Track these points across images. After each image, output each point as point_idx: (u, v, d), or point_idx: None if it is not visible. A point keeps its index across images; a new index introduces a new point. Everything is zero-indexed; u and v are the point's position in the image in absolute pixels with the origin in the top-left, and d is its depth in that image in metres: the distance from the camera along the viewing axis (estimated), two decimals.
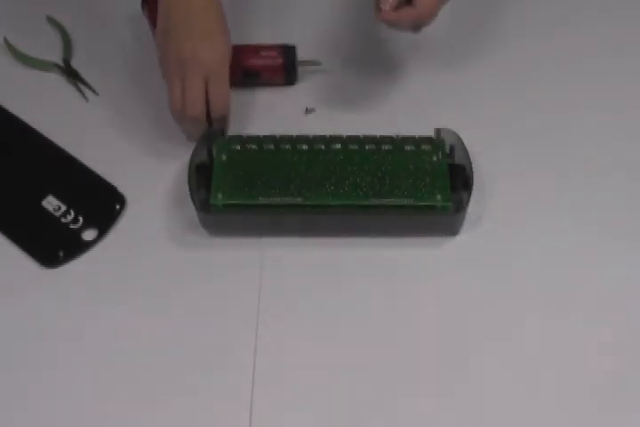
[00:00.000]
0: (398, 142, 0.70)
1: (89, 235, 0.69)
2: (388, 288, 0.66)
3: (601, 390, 0.61)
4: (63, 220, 0.70)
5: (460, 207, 0.66)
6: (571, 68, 0.79)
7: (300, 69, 0.77)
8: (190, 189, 0.67)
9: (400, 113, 0.75)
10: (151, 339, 0.64)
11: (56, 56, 0.80)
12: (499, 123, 0.75)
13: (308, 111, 0.76)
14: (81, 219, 0.70)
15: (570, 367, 0.62)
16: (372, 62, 0.79)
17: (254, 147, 0.70)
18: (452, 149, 0.70)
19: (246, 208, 0.67)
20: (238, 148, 0.70)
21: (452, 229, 0.68)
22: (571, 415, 0.60)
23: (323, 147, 0.70)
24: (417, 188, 0.67)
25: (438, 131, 0.70)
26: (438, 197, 0.66)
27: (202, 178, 0.69)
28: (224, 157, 0.69)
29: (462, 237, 0.68)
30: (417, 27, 0.68)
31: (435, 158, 0.69)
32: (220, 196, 0.67)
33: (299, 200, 0.67)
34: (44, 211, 0.70)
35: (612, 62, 0.79)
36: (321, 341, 0.64)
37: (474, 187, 0.67)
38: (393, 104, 0.76)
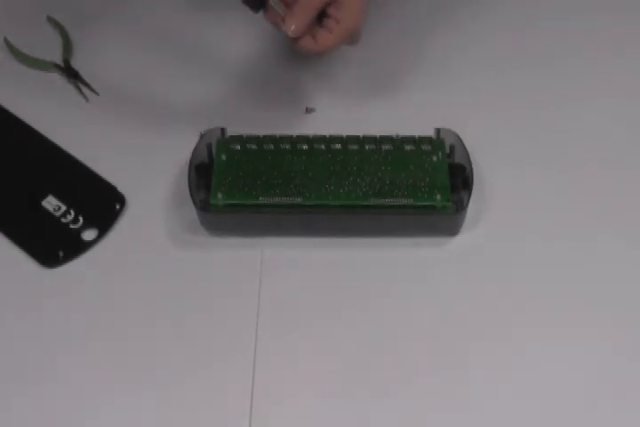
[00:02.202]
0: (398, 142, 0.70)
1: (89, 235, 0.69)
2: (387, 288, 0.66)
3: (601, 391, 0.61)
4: (63, 220, 0.70)
5: (460, 207, 0.66)
6: (571, 67, 0.79)
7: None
8: (190, 189, 0.67)
9: (400, 113, 0.75)
10: (151, 338, 0.64)
11: (56, 56, 0.80)
12: (499, 123, 0.75)
13: (307, 111, 0.76)
14: (81, 219, 0.70)
15: (570, 367, 0.62)
16: (371, 62, 0.79)
17: (254, 147, 0.70)
18: (451, 148, 0.70)
19: (246, 208, 0.67)
20: (238, 148, 0.70)
21: (452, 229, 0.68)
22: (570, 416, 0.61)
23: (323, 147, 0.70)
24: (417, 188, 0.67)
25: (438, 131, 0.70)
26: (438, 197, 0.66)
27: (202, 178, 0.68)
28: (224, 157, 0.69)
29: (462, 237, 0.68)
30: (352, 41, 0.67)
31: (435, 158, 0.69)
32: (219, 195, 0.67)
33: (299, 200, 0.67)
34: (44, 211, 0.70)
35: (613, 61, 0.79)
36: (321, 341, 0.64)
37: (474, 187, 0.67)
38: (393, 104, 0.76)
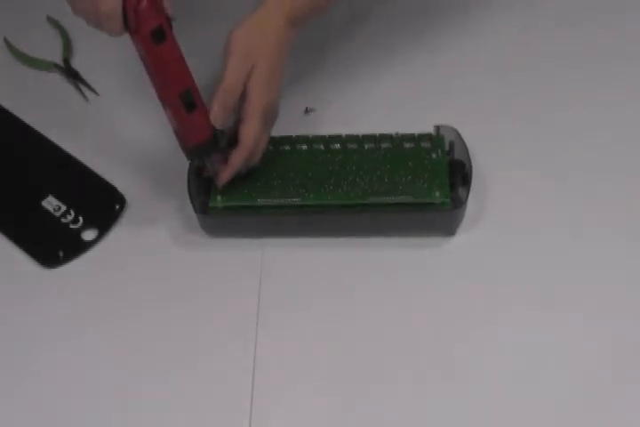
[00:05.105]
0: (398, 140, 0.69)
1: (89, 235, 0.69)
2: (387, 288, 0.66)
3: (599, 391, 0.61)
4: (63, 220, 0.70)
5: (459, 204, 0.66)
6: (572, 66, 0.78)
7: None
8: (190, 192, 0.66)
9: (399, 110, 0.75)
10: (150, 338, 0.64)
11: (56, 56, 0.80)
12: (498, 120, 0.74)
13: (307, 111, 0.76)
14: (81, 219, 0.70)
15: (569, 367, 0.62)
16: (371, 61, 0.79)
17: None
18: (451, 145, 0.69)
19: (245, 210, 0.67)
20: None
21: (450, 227, 0.68)
22: (569, 416, 0.60)
23: (322, 147, 0.70)
24: (416, 185, 0.67)
25: (438, 128, 0.70)
26: (437, 193, 0.66)
27: (201, 180, 0.68)
28: None
29: (461, 237, 0.68)
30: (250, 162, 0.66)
31: (434, 155, 0.69)
32: (219, 198, 0.67)
33: (298, 201, 0.67)
34: (44, 211, 0.70)
35: (613, 61, 0.79)
36: (320, 341, 0.64)
37: (473, 184, 0.67)
38: (392, 101, 0.76)
